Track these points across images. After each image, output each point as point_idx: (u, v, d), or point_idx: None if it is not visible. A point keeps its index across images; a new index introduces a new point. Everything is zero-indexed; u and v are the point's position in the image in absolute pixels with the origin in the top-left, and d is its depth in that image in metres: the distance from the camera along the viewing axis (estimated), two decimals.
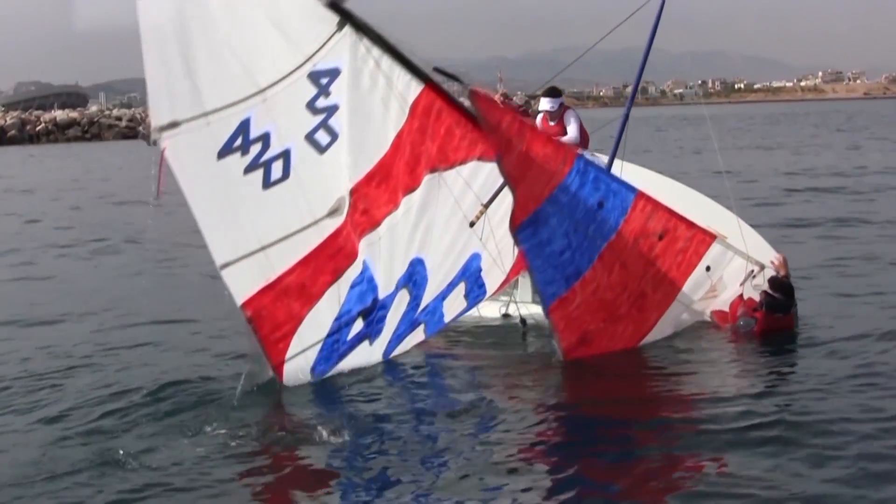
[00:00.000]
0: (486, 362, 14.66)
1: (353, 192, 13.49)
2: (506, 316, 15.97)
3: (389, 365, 14.21)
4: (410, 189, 13.78)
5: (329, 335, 13.75)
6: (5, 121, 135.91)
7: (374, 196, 13.66)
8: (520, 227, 13.55)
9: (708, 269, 15.18)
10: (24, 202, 44.95)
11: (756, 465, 10.13)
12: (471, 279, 14.55)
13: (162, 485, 10.21)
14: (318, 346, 13.71)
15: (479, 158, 13.81)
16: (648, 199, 14.57)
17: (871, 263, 20.81)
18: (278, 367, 13.47)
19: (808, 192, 35.83)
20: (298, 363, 13.59)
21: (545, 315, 14.19)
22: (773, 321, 14.89)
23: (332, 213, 13.51)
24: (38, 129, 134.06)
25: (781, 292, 15.04)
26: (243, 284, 13.09)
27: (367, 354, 14.04)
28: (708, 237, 15.13)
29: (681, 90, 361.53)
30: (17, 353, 15.73)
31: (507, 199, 13.82)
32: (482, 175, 13.96)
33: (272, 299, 13.30)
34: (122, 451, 10.93)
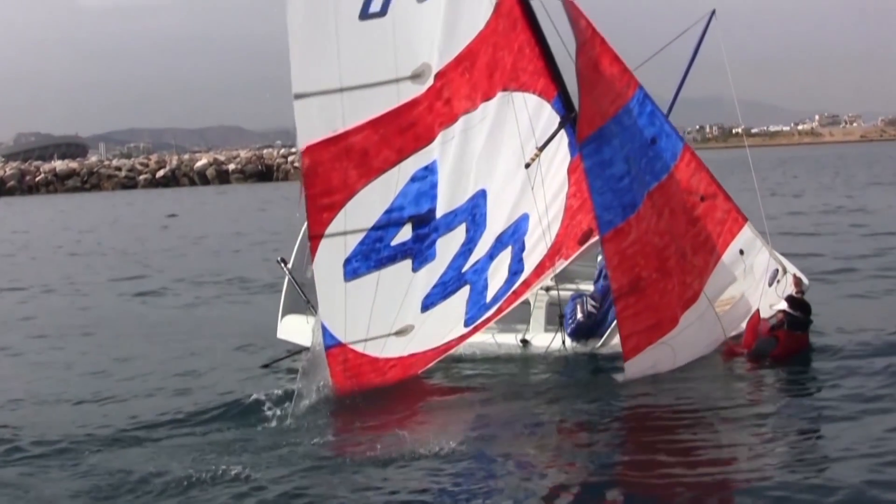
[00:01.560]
0: (508, 389, 14.49)
1: (439, 76, 13.51)
2: (524, 342, 15.72)
3: (411, 393, 14.12)
4: (487, 97, 13.83)
5: (374, 228, 13.54)
6: (4, 171, 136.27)
7: (457, 85, 13.66)
8: (585, 142, 13.55)
9: (741, 252, 15.05)
10: None
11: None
12: (516, 245, 14.34)
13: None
14: (360, 237, 13.48)
15: (540, 95, 13.96)
16: (694, 154, 14.56)
17: None
18: (314, 240, 13.35)
19: None
20: (336, 244, 13.39)
21: (600, 247, 14.10)
22: (793, 340, 14.79)
23: (415, 77, 13.48)
24: (37, 179, 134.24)
25: (801, 310, 14.87)
26: (312, 124, 13.08)
27: (406, 282, 13.81)
28: (741, 218, 15.10)
29: None
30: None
31: (559, 175, 14.08)
32: (544, 116, 14.03)
33: (332, 156, 13.19)
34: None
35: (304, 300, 16.29)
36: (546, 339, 15.64)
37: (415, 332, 14.20)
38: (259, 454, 11.65)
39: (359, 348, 14.02)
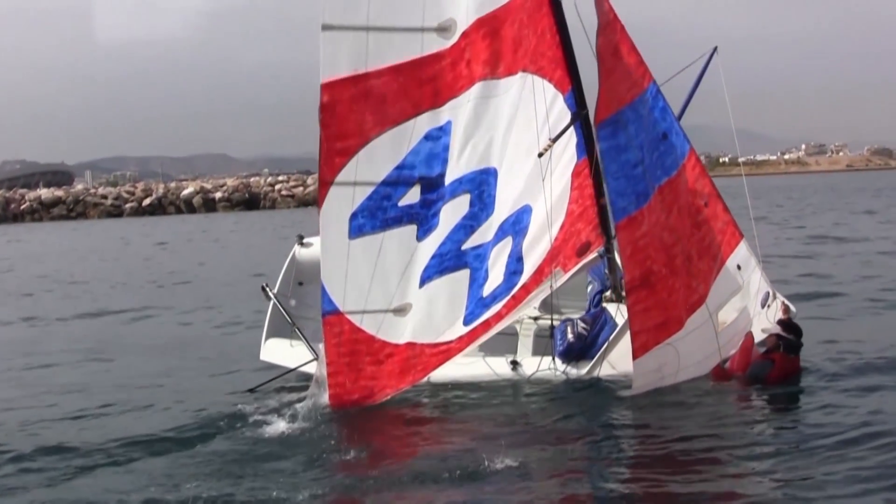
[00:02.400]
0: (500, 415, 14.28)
1: (464, 35, 13.66)
2: (514, 364, 15.43)
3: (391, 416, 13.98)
4: (510, 72, 13.89)
5: (384, 183, 13.60)
6: None
7: (478, 48, 13.77)
8: (601, 125, 13.61)
9: (739, 267, 15.13)
10: None
11: None
12: (517, 238, 14.16)
13: None
14: (369, 190, 13.55)
15: (556, 86, 13.93)
16: (698, 158, 14.68)
17: None
18: (324, 187, 13.40)
19: None
20: (344, 195, 13.43)
21: (613, 235, 14.17)
22: (789, 363, 14.78)
23: (441, 31, 13.64)
24: (22, 207, 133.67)
25: (794, 333, 14.86)
26: (335, 59, 13.25)
27: (409, 252, 13.84)
28: (738, 233, 15.23)
29: None
30: None
31: (564, 177, 13.98)
32: (557, 108, 13.99)
33: (351, 97, 13.31)
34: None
35: (289, 323, 16.25)
36: (536, 361, 15.40)
37: (413, 315, 14.07)
38: (235, 478, 11.55)
39: (356, 320, 13.92)
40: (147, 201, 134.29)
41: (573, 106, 14.13)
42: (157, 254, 56.22)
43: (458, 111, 13.79)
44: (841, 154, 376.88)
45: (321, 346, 14.67)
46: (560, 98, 14.03)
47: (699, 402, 14.15)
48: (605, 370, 14.78)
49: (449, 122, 13.80)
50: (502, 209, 14.17)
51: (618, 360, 14.64)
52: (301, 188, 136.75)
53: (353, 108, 13.33)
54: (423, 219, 13.90)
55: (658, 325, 13.96)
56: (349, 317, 13.94)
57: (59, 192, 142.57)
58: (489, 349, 15.27)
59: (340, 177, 13.43)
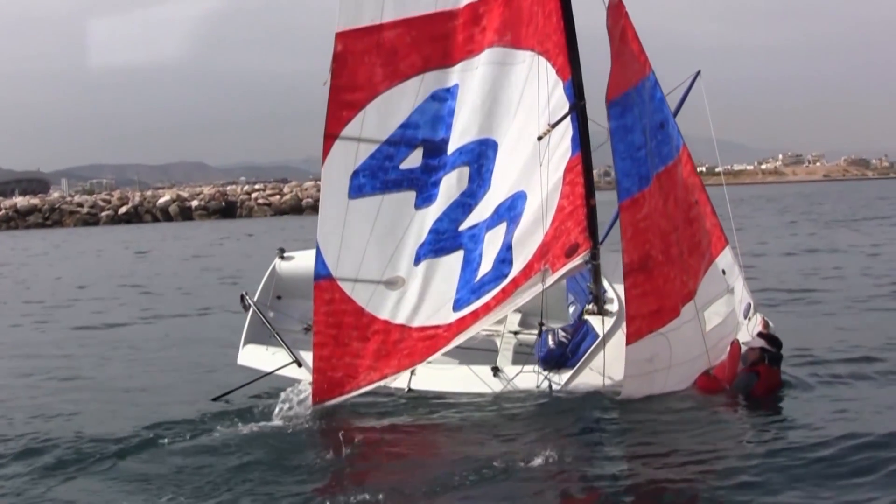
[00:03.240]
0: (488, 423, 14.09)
1: (482, 2, 13.76)
2: (495, 370, 15.16)
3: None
4: (518, 45, 13.92)
5: (387, 142, 13.69)
6: None
7: (493, 14, 13.84)
8: (611, 103, 13.63)
9: (724, 272, 15.23)
10: None
11: None
12: (511, 225, 14.10)
13: None
14: (373, 149, 13.63)
15: (557, 72, 13.93)
16: (690, 156, 14.85)
17: None
18: (328, 139, 13.45)
19: None
20: (348, 150, 13.52)
21: (615, 217, 14.41)
22: (773, 375, 14.77)
23: None
24: None
25: (775, 346, 14.81)
26: (353, 8, 13.37)
27: (406, 219, 13.87)
28: (724, 238, 15.35)
29: None
30: None
31: (558, 171, 13.96)
32: (556, 95, 13.98)
33: (364, 48, 13.46)
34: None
35: (269, 329, 16.19)
36: (517, 368, 15.15)
37: (403, 292, 14.06)
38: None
39: (347, 288, 13.92)
40: (123, 209, 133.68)
41: (571, 96, 14.08)
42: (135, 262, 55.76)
43: (466, 75, 13.87)
44: (818, 164, 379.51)
45: (302, 354, 14.54)
46: (560, 86, 14.01)
47: (686, 410, 14.08)
48: (586, 377, 14.64)
49: (456, 86, 13.90)
50: (499, 189, 14.14)
51: (600, 368, 14.55)
52: (278, 196, 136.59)
53: (365, 60, 13.46)
54: (422, 185, 13.92)
55: (653, 313, 13.95)
56: (341, 283, 13.91)
57: (35, 201, 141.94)
58: (471, 363, 15.16)
59: (346, 131, 13.50)
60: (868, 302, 25.32)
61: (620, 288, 15.02)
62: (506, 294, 14.12)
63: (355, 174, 13.65)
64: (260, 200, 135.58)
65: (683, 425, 13.41)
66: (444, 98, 13.87)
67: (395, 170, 13.80)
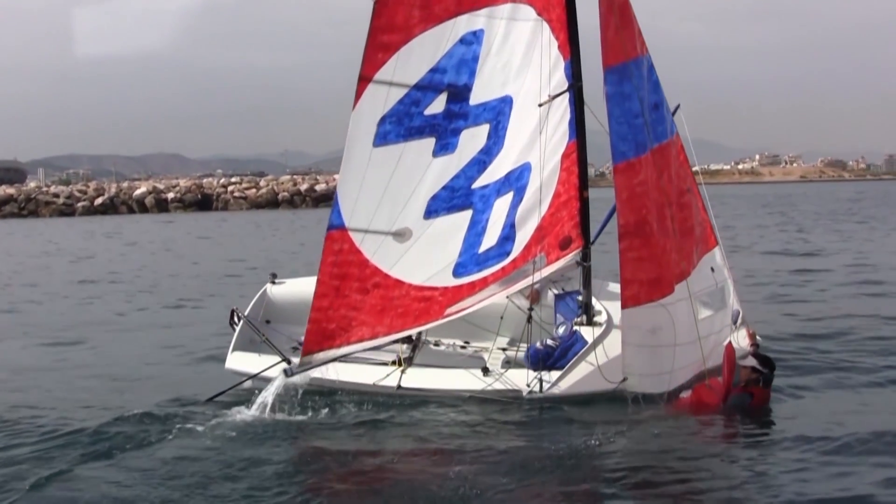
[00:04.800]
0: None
1: None
2: (485, 370, 15.27)
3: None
4: (532, 1, 14.31)
5: (416, 87, 13.97)
6: None
7: None
8: (609, 69, 13.85)
9: (712, 270, 15.23)
10: None
11: None
12: (517, 196, 14.47)
13: None
14: (402, 93, 13.90)
15: (559, 48, 14.40)
16: (683, 148, 15.03)
17: None
18: (363, 82, 13.71)
19: None
20: (379, 95, 13.76)
21: (608, 215, 14.83)
22: (766, 396, 14.79)
23: None
24: None
25: (768, 366, 14.81)
26: None
27: (423, 167, 14.12)
28: (714, 237, 15.40)
29: None
30: None
31: (556, 154, 14.43)
32: (559, 72, 14.47)
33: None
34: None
35: (259, 337, 16.20)
36: (506, 368, 15.37)
37: (410, 246, 14.31)
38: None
39: (357, 239, 14.18)
40: (99, 201, 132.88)
41: (570, 77, 14.53)
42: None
43: (491, 23, 14.20)
44: (795, 165, 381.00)
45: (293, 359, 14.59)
46: (561, 63, 14.47)
47: (677, 420, 14.07)
48: (576, 378, 14.75)
49: (482, 31, 14.19)
50: (511, 150, 14.52)
51: (591, 370, 14.68)
52: (254, 190, 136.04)
53: (404, 1, 13.73)
54: (442, 132, 14.19)
55: (651, 281, 14.02)
56: (352, 234, 14.20)
57: (11, 190, 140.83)
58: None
59: (380, 74, 13.73)
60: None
61: (609, 304, 15.19)
62: (504, 273, 14.55)
63: (382, 120, 13.90)
64: (236, 194, 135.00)
65: (678, 427, 13.55)
66: (470, 42, 14.17)
67: (420, 115, 14.07)
